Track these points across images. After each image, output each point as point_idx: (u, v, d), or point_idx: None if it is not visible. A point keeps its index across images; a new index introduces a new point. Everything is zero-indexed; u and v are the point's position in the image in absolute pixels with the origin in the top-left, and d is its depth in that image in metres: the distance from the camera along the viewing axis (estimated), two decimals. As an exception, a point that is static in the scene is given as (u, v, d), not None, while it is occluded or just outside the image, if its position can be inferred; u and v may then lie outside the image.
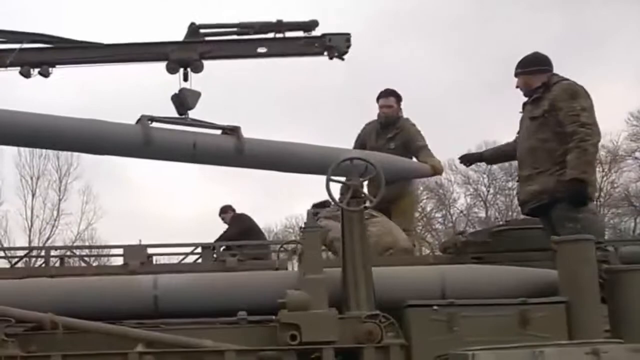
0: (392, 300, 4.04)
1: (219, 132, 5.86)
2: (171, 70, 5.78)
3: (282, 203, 49.23)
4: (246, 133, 5.92)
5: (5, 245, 24.49)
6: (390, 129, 6.99)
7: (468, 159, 6.32)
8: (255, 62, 6.11)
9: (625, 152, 31.80)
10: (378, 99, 7.13)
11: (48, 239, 29.25)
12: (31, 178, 30.78)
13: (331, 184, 4.05)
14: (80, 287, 4.14)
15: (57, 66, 5.76)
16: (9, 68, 5.57)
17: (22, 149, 25.02)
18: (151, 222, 33.51)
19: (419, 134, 6.95)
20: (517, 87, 5.43)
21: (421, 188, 33.04)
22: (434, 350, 3.80)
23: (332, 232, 6.25)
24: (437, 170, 6.69)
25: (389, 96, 7.10)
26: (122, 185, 35.56)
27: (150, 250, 6.35)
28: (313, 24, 6.04)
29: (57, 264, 6.57)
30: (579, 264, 4.08)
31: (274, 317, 3.95)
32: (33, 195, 30.66)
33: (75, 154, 20.26)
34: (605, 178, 31.63)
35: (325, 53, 6.08)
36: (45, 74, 5.71)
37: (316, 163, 5.69)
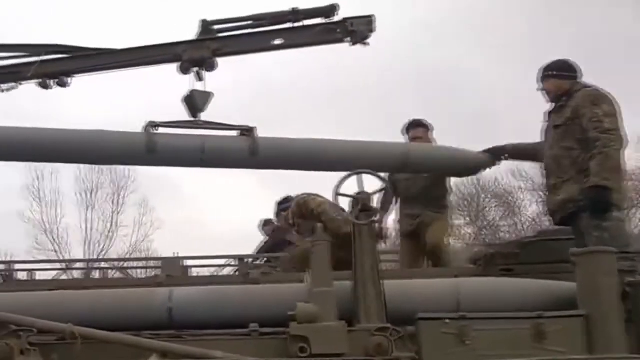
0: (406, 314, 4.02)
1: (234, 133, 5.70)
2: (184, 70, 5.71)
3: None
4: (286, 134, 5.77)
5: (67, 257, 25.27)
6: None
7: (493, 152, 6.13)
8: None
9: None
10: (407, 130, 6.74)
11: (102, 250, 29.95)
12: (86, 192, 31.51)
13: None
14: (101, 299, 4.29)
15: (74, 76, 5.80)
16: (29, 81, 5.64)
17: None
18: (208, 232, 33.81)
19: None
20: (543, 89, 5.32)
21: (490, 196, 32.57)
22: (446, 364, 3.76)
23: (323, 204, 6.07)
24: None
25: (417, 127, 6.71)
26: (180, 196, 35.99)
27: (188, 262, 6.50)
28: (332, 9, 5.72)
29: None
30: (598, 276, 3.94)
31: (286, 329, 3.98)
32: (92, 208, 31.39)
33: (131, 167, 20.76)
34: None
35: (348, 39, 5.73)
36: (63, 85, 5.77)
37: (337, 159, 5.45)
